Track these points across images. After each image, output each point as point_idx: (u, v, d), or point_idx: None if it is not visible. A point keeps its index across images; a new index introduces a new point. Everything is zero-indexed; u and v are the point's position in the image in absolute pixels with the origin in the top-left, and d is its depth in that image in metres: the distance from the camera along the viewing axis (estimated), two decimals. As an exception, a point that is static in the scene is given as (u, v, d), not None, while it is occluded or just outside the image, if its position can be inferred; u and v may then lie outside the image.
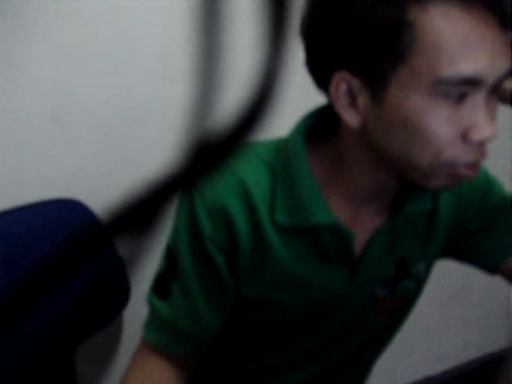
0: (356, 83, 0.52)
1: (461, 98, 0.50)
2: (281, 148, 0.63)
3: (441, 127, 0.50)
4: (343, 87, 0.53)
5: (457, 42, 0.48)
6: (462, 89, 0.49)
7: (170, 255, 0.65)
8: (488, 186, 0.70)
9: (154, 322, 0.67)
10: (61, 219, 0.89)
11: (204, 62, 0.16)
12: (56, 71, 0.96)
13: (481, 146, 0.52)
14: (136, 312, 0.88)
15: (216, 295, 0.65)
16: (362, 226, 0.64)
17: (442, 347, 1.70)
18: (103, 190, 0.99)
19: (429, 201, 0.66)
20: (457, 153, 0.52)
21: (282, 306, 0.66)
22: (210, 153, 0.18)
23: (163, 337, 0.67)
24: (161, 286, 0.66)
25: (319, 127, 0.63)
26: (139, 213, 0.18)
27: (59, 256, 0.17)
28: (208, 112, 0.17)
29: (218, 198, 0.61)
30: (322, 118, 0.63)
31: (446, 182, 0.55)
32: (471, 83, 0.49)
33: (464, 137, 0.51)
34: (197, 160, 0.18)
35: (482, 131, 0.51)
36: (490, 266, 0.70)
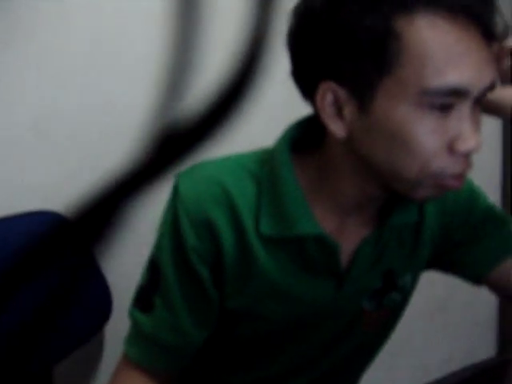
0: (342, 93, 0.52)
1: (447, 108, 0.50)
2: (266, 158, 0.62)
3: (427, 138, 0.50)
4: (329, 97, 0.53)
5: (443, 53, 0.48)
6: (448, 99, 0.49)
7: (153, 267, 0.64)
8: (472, 196, 0.70)
9: (136, 336, 0.66)
10: (39, 231, 0.88)
11: (174, 47, 0.16)
12: (35, 82, 0.94)
13: (466, 156, 0.53)
14: (118, 326, 0.87)
15: (200, 308, 0.64)
16: (349, 237, 0.63)
17: (427, 358, 1.70)
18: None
19: (415, 212, 0.65)
20: (444, 164, 0.52)
21: (267, 319, 0.66)
22: (178, 142, 0.17)
23: (146, 351, 0.65)
24: (143, 299, 0.65)
25: (305, 137, 0.63)
26: (101, 209, 0.16)
27: (20, 258, 0.16)
28: (176, 100, 0.17)
29: (201, 209, 0.60)
30: (308, 128, 0.63)
31: (432, 193, 0.55)
32: (457, 94, 0.49)
33: (450, 148, 0.51)
34: (163, 150, 0.17)
35: (467, 142, 0.51)
36: (476, 276, 0.70)
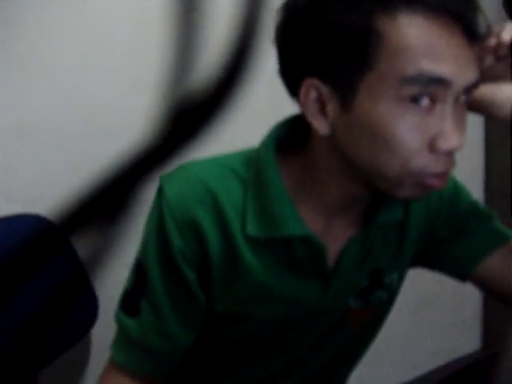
0: (325, 90, 0.52)
1: (429, 106, 0.50)
2: (251, 159, 0.62)
3: (408, 136, 0.50)
4: (313, 94, 0.53)
5: (421, 45, 0.48)
6: (426, 89, 0.49)
7: (139, 270, 0.63)
8: (456, 192, 0.70)
9: (122, 340, 0.65)
10: (23, 235, 0.86)
11: (181, 24, 0.16)
12: (19, 84, 0.93)
13: (449, 155, 0.52)
14: (104, 331, 0.86)
15: (187, 311, 0.63)
16: (335, 237, 0.63)
17: (414, 354, 1.71)
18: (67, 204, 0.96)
19: (400, 210, 0.66)
20: (424, 162, 0.51)
21: (255, 321, 0.65)
22: (192, 115, 0.16)
23: (132, 355, 0.65)
24: (129, 303, 0.64)
25: (291, 137, 0.63)
26: (116, 191, 0.16)
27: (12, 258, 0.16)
28: (186, 74, 0.16)
29: (187, 210, 0.59)
30: (294, 127, 0.63)
31: (414, 192, 0.54)
32: (435, 83, 0.49)
33: (431, 146, 0.51)
34: (178, 124, 0.16)
35: (449, 140, 0.50)
36: (461, 273, 0.71)
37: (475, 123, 1.70)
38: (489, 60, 0.55)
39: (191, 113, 0.16)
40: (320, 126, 0.54)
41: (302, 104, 0.54)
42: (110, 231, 0.16)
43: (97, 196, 0.16)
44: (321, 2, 0.51)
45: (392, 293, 0.71)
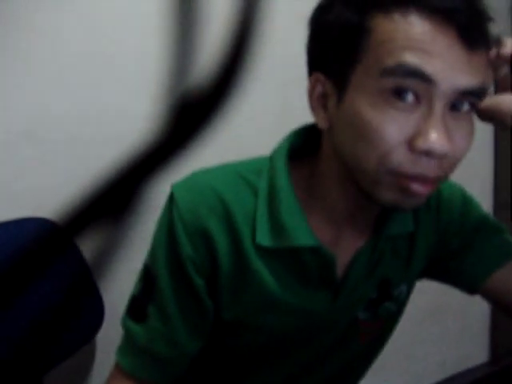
0: (328, 86, 0.54)
1: (413, 103, 0.48)
2: (263, 167, 0.62)
3: (386, 128, 0.49)
4: (318, 89, 0.55)
5: (404, 38, 0.48)
6: (406, 83, 0.48)
7: (147, 276, 0.63)
8: (465, 204, 0.70)
9: (129, 346, 0.65)
10: (29, 239, 0.87)
11: (181, 23, 0.16)
12: (29, 88, 0.94)
13: (430, 158, 0.49)
14: (109, 335, 0.86)
15: (195, 318, 0.63)
16: (344, 247, 0.63)
17: (420, 365, 1.70)
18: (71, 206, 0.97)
19: (410, 222, 0.65)
20: (401, 159, 0.49)
21: (262, 330, 0.65)
22: (195, 110, 0.16)
23: (138, 362, 0.64)
24: (136, 308, 0.64)
25: (303, 146, 0.63)
26: (121, 190, 0.16)
27: (17, 260, 0.16)
28: (187, 69, 0.16)
29: (198, 218, 0.59)
30: (307, 136, 0.63)
31: (395, 196, 0.52)
32: (418, 78, 0.47)
33: (410, 144, 0.49)
34: (180, 122, 0.16)
35: (427, 139, 0.48)
36: (470, 286, 0.70)
37: (485, 136, 1.69)
38: (504, 70, 0.53)
39: (193, 110, 0.16)
40: (320, 119, 0.55)
41: (308, 96, 0.56)
42: (116, 231, 0.16)
43: (101, 196, 0.16)
44: (327, 4, 0.54)
45: (400, 304, 0.71)
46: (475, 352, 1.82)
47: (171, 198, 0.61)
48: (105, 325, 0.97)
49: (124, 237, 0.17)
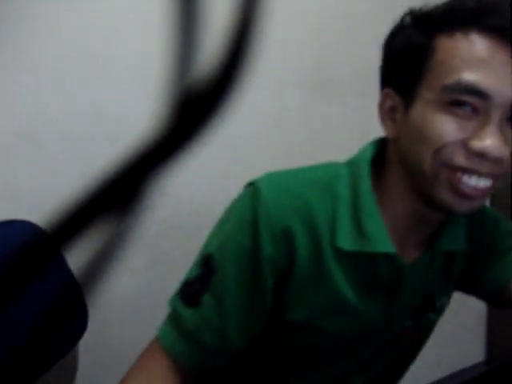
0: (397, 100, 0.60)
1: (470, 114, 0.53)
2: (341, 173, 0.64)
3: (445, 127, 0.54)
4: (388, 103, 0.61)
5: (463, 57, 0.53)
6: (464, 97, 0.53)
7: (207, 263, 0.62)
8: (496, 222, 0.73)
9: (173, 326, 0.63)
10: (12, 243, 0.84)
11: (181, 18, 0.15)
12: (28, 88, 0.93)
13: (483, 159, 0.53)
14: (92, 342, 0.83)
15: (251, 316, 0.63)
16: (405, 256, 0.65)
17: (416, 364, 1.68)
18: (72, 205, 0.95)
19: (463, 240, 0.68)
20: (454, 152, 0.54)
21: (323, 332, 0.66)
22: (196, 108, 0.15)
23: (181, 344, 0.63)
24: (190, 293, 0.63)
25: (379, 156, 0.67)
26: (123, 186, 0.15)
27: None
28: (188, 68, 0.15)
29: (284, 219, 0.60)
30: (382, 147, 0.66)
31: (450, 197, 0.55)
32: (475, 94, 0.52)
33: (465, 144, 0.53)
34: (184, 114, 0.15)
35: (483, 140, 0.52)
36: (495, 290, 0.72)
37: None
38: None
39: (194, 108, 0.16)
40: (389, 129, 0.61)
41: (379, 109, 0.62)
42: (116, 231, 0.16)
43: (100, 196, 0.15)
44: (398, 29, 0.61)
45: (439, 315, 0.75)
46: (471, 351, 1.82)
47: (256, 196, 0.61)
48: (87, 330, 0.95)
49: (124, 237, 0.16)
